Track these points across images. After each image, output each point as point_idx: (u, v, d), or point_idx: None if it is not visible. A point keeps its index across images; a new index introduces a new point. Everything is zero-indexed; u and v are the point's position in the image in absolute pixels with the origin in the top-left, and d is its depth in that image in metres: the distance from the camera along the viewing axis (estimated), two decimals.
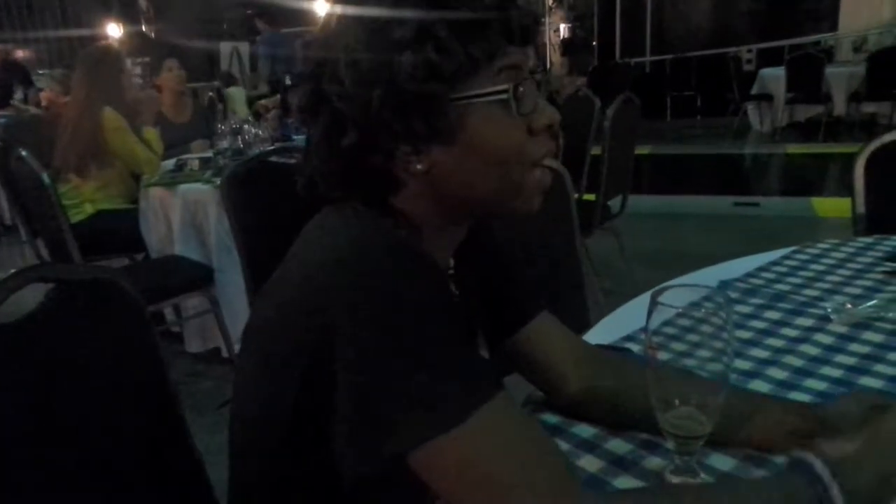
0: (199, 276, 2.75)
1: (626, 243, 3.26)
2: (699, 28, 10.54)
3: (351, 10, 0.65)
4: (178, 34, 8.44)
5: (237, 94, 5.91)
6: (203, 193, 2.87)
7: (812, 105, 7.35)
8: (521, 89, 0.65)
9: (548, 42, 10.69)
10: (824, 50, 8.61)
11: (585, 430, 0.83)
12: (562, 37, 10.83)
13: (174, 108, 4.04)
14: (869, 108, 7.15)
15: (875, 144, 1.79)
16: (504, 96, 0.64)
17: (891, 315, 1.05)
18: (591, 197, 3.14)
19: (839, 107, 7.10)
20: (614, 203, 3.25)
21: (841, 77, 7.25)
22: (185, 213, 2.90)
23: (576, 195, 1.70)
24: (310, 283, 0.61)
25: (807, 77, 7.23)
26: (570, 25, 10.99)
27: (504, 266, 0.88)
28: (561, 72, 10.13)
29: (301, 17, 7.20)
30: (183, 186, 2.96)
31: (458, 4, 0.62)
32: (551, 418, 0.86)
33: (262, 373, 0.67)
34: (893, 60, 6.98)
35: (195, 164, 3.24)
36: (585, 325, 1.13)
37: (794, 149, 6.19)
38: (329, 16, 0.68)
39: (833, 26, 9.35)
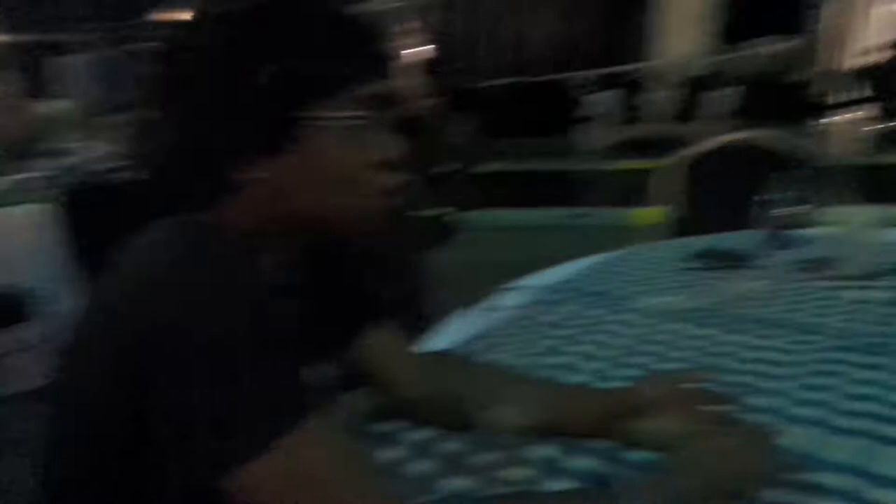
0: (20, 308, 2.51)
1: (474, 255, 3.36)
2: (544, 53, 11.16)
3: (217, 13, 0.64)
4: (18, 46, 7.70)
5: (63, 110, 5.46)
6: (31, 215, 2.63)
7: (636, 125, 8.06)
8: (370, 120, 0.65)
9: (405, 63, 10.83)
10: (649, 75, 9.48)
11: (420, 434, 0.85)
12: (419, 58, 11.01)
13: (4, 125, 3.69)
14: (683, 128, 7.90)
15: (686, 157, 1.99)
16: (353, 123, 0.64)
17: (693, 306, 1.17)
18: (440, 212, 3.21)
19: (659, 127, 7.81)
20: (463, 217, 3.34)
21: (660, 100, 8.09)
22: (9, 238, 2.65)
23: (425, 211, 1.74)
24: (128, 301, 0.58)
25: (632, 100, 7.98)
26: (428, 47, 11.21)
27: (345, 278, 0.88)
28: (418, 92, 10.29)
29: (140, 31, 6.83)
30: (7, 209, 2.72)
31: (324, 29, 0.63)
32: (388, 426, 0.87)
33: (79, 394, 0.64)
34: (705, 85, 7.90)
35: (25, 184, 2.98)
36: (428, 334, 1.16)
37: (621, 165, 6.68)
38: (194, 17, 0.66)
39: (656, 54, 10.26)
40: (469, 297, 1.25)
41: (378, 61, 0.67)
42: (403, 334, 0.92)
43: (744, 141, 1.99)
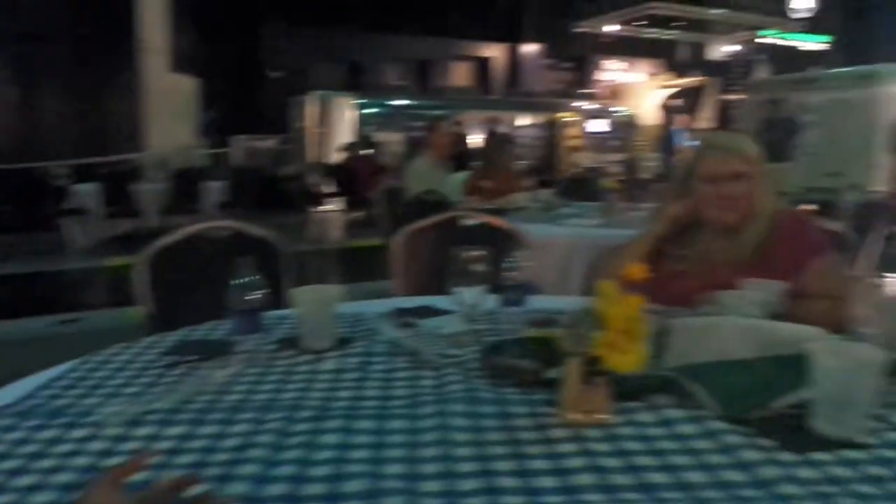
0: None
1: None
2: (8, 140, 9.85)
3: None
4: None
5: None
6: None
7: (127, 219, 7.68)
8: None
9: None
10: (134, 168, 9.21)
11: None
12: None
13: None
14: (177, 220, 7.86)
15: (152, 251, 1.94)
16: None
17: (162, 406, 1.12)
18: None
19: (152, 220, 7.61)
20: None
21: (151, 193, 7.90)
22: None
23: None
24: None
25: (120, 192, 7.64)
26: None
27: None
28: None
29: None
30: None
31: None
32: None
33: None
34: (192, 178, 8.09)
35: None
36: None
37: (114, 261, 6.24)
38: None
39: (141, 146, 10.08)
40: None
41: None
42: None
43: (211, 230, 2.05)
